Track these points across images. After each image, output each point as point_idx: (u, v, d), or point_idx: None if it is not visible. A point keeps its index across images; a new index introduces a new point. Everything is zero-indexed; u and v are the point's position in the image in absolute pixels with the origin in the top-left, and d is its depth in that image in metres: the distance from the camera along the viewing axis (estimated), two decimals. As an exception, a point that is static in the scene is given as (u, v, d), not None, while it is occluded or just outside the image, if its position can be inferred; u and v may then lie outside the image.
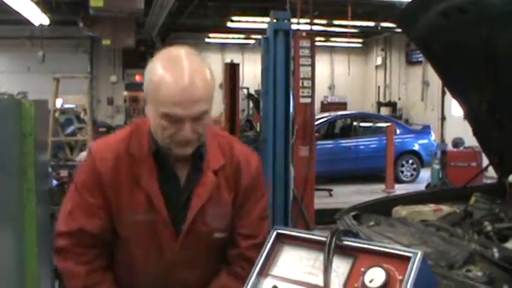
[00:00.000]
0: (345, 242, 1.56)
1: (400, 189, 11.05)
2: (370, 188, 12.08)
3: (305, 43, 6.30)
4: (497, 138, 3.64)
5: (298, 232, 1.68)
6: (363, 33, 21.04)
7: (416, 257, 1.44)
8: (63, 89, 8.45)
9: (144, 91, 1.82)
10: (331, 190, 11.86)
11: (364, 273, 1.48)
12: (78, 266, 1.89)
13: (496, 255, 2.54)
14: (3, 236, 3.59)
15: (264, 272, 1.63)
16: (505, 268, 2.46)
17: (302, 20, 11.28)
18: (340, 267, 1.53)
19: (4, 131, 3.60)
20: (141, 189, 1.87)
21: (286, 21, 5.90)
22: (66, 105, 13.30)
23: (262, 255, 1.65)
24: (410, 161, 13.79)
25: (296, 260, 1.63)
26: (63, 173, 6.04)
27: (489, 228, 2.95)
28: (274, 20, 5.82)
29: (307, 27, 11.19)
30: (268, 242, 1.67)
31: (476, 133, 3.81)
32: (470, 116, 3.65)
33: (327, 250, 1.52)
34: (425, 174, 12.84)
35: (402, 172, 13.64)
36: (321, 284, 1.50)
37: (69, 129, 13.20)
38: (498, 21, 2.80)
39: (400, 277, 1.44)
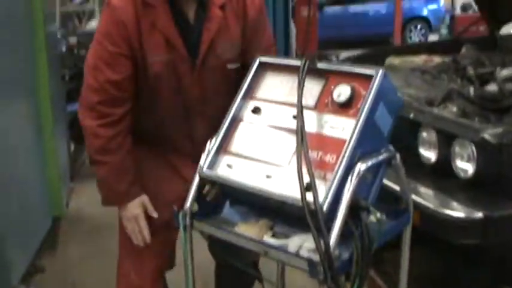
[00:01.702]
0: (319, 66, 1.74)
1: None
2: (377, 53, 12.09)
3: None
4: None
5: (278, 59, 1.87)
6: None
7: (378, 74, 1.63)
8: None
9: None
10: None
11: (333, 90, 1.68)
12: (102, 128, 2.03)
13: (472, 93, 2.74)
14: (17, 96, 3.69)
15: (248, 96, 1.83)
16: (478, 104, 2.66)
17: None
18: (314, 88, 1.71)
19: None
20: (159, 32, 2.02)
21: None
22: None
23: (246, 82, 1.85)
24: (418, 27, 13.69)
25: (276, 85, 1.81)
26: (73, 40, 6.32)
27: (471, 72, 3.09)
28: None
29: None
30: (251, 70, 1.86)
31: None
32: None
33: (301, 71, 1.70)
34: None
35: (410, 38, 13.60)
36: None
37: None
38: None
39: (364, 92, 1.63)
